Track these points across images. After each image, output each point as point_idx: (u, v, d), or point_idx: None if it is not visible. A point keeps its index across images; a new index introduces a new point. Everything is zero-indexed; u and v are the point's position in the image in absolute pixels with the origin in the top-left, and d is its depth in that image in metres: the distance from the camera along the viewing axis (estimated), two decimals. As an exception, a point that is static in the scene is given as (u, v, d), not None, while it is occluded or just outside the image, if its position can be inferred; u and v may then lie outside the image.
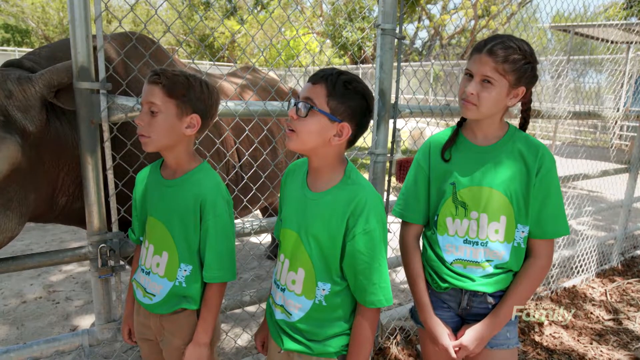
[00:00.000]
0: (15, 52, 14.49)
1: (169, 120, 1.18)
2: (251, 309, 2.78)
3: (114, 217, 1.62)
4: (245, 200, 2.14)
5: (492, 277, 1.29)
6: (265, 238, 4.24)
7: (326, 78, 1.10)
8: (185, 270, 1.26)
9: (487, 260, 1.29)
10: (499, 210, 1.26)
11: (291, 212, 1.21)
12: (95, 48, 1.45)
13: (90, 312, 2.84)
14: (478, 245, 1.29)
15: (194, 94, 1.20)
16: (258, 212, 4.77)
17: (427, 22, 22.60)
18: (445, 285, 1.33)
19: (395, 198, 1.82)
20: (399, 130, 2.34)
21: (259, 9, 23.25)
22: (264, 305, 2.06)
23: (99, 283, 1.62)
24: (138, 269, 1.36)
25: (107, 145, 1.53)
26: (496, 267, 1.29)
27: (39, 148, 1.44)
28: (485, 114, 1.24)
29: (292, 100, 1.13)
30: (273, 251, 3.85)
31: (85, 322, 2.74)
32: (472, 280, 1.29)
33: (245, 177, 2.22)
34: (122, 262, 1.64)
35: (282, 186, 1.32)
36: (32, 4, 20.76)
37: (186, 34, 21.92)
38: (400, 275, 3.45)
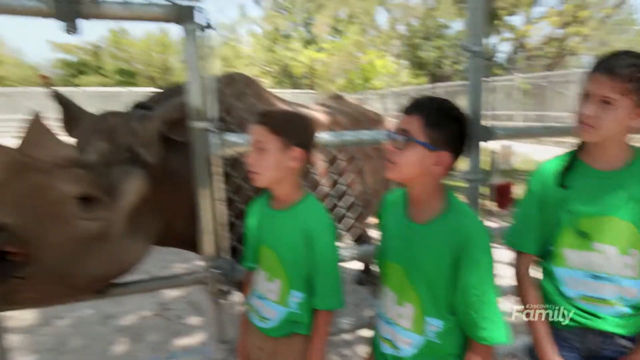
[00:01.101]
0: (127, 93, 16.44)
1: (275, 156, 1.27)
2: (348, 336, 2.79)
3: (225, 244, 1.75)
4: (339, 228, 2.19)
5: (626, 317, 1.17)
6: (356, 262, 4.25)
7: (421, 108, 1.12)
8: (296, 297, 1.32)
9: (618, 298, 1.18)
10: (628, 243, 1.16)
11: (394, 245, 1.23)
12: (208, 90, 1.61)
13: (199, 330, 3.06)
14: (605, 281, 1.18)
15: (296, 129, 1.29)
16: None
17: (508, 34, 21.59)
18: (568, 322, 1.24)
19: (491, 224, 1.75)
20: (494, 152, 2.26)
21: (336, 37, 23.97)
22: (360, 333, 2.07)
23: (213, 306, 1.75)
24: (252, 294, 1.45)
25: (219, 178, 1.67)
26: (630, 306, 1.17)
27: (158, 178, 1.60)
28: (604, 137, 1.16)
29: (389, 132, 1.16)
30: (365, 277, 3.81)
31: (194, 340, 2.95)
32: (601, 318, 1.19)
33: (339, 205, 2.27)
34: (232, 287, 1.76)
35: (381, 217, 1.34)
36: (140, 50, 23.65)
37: (269, 65, 23.22)
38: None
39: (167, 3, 1.49)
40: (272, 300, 1.35)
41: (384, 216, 1.32)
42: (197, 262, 4.28)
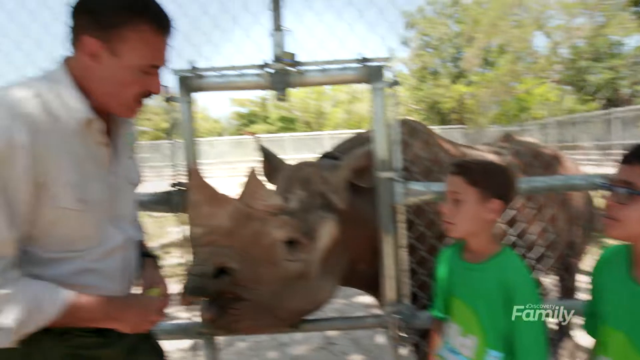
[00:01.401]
0: (288, 138, 18.41)
1: (472, 208, 1.25)
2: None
3: (406, 290, 1.77)
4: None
5: None
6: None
7: None
8: (494, 357, 1.25)
9: None
10: None
11: (615, 310, 1.09)
12: (393, 141, 1.70)
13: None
14: None
15: (494, 181, 1.26)
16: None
17: None
18: None
19: None
20: None
21: (486, 68, 22.95)
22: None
23: (392, 350, 1.77)
24: (443, 346, 1.42)
25: (402, 225, 1.72)
26: None
27: (345, 222, 1.70)
28: None
29: (607, 184, 1.06)
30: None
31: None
32: None
33: (528, 256, 2.10)
34: (412, 333, 1.76)
35: (595, 276, 1.21)
36: (299, 98, 26.51)
37: (417, 102, 23.34)
38: None
39: (358, 65, 1.65)
40: (466, 356, 1.30)
41: (600, 276, 1.19)
42: (357, 300, 4.39)
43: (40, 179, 0.97)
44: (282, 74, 1.65)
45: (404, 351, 1.80)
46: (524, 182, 1.71)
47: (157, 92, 1.16)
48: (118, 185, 1.20)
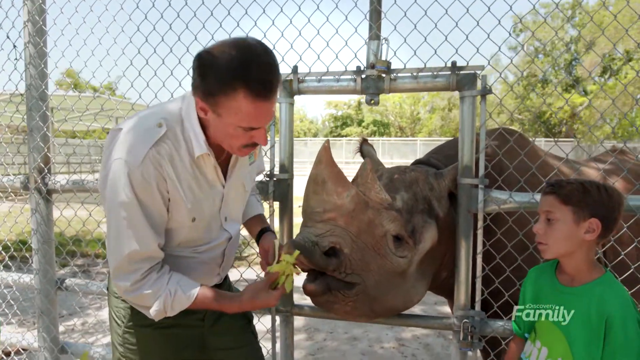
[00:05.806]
0: (380, 142, 18.44)
1: (565, 227, 1.22)
2: None
3: (478, 297, 1.77)
4: None
5: None
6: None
7: None
8: None
9: None
10: None
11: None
12: (479, 149, 1.71)
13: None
14: None
15: (591, 199, 1.21)
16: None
17: None
18: None
19: None
20: None
21: (606, 76, 20.64)
22: None
23: (458, 354, 1.79)
24: None
25: (480, 232, 1.74)
26: None
27: (440, 230, 1.72)
28: None
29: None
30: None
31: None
32: None
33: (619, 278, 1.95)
34: (480, 340, 1.76)
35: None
36: (393, 102, 26.38)
37: (520, 112, 21.78)
38: None
39: (450, 73, 1.70)
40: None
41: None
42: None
43: (172, 199, 1.25)
44: (375, 80, 1.76)
45: (472, 357, 1.81)
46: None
47: (263, 144, 1.27)
48: (231, 195, 1.42)
